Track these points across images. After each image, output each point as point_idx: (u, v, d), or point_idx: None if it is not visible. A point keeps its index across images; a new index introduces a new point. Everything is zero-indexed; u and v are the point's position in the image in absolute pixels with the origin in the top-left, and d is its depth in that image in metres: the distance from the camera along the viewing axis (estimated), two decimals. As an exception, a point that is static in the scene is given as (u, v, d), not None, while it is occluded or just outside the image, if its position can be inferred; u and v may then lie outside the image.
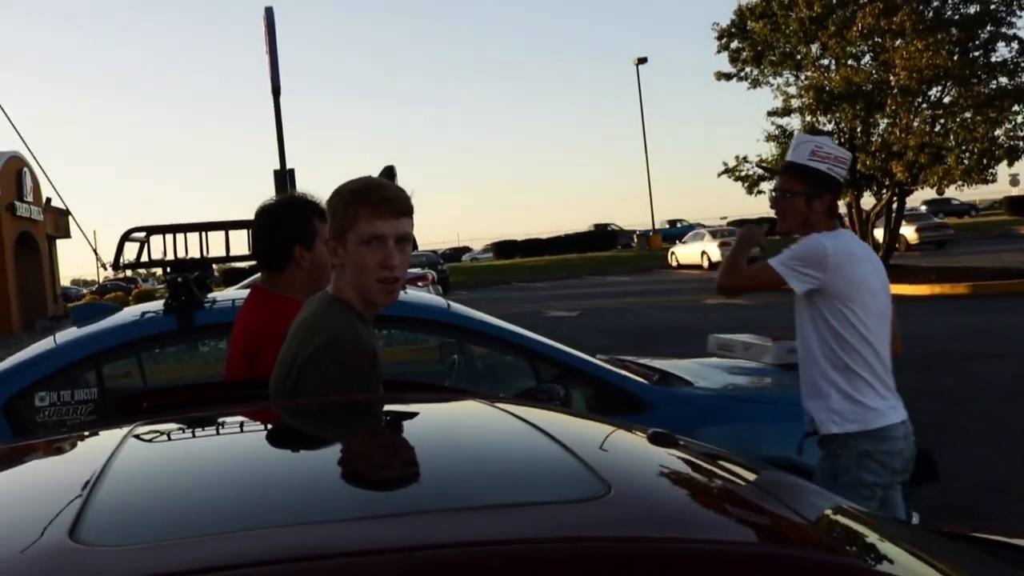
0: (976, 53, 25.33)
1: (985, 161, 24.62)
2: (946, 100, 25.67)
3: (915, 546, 1.78)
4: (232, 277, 39.76)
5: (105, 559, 1.29)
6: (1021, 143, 24.63)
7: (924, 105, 25.90)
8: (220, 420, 2.32)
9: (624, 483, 1.59)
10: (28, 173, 36.83)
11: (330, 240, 2.64)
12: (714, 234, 43.69)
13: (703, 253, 42.50)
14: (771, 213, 4.17)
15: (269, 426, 2.37)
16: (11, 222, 35.73)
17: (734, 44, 28.72)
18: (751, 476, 1.92)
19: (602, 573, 1.28)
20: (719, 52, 29.09)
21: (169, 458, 1.97)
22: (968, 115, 24.88)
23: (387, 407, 2.51)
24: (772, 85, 28.79)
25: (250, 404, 2.71)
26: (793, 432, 4.70)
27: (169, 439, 2.13)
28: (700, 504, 1.70)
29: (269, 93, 15.62)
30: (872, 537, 1.75)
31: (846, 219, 29.37)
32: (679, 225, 70.39)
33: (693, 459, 1.96)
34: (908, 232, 39.13)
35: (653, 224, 66.03)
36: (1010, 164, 25.32)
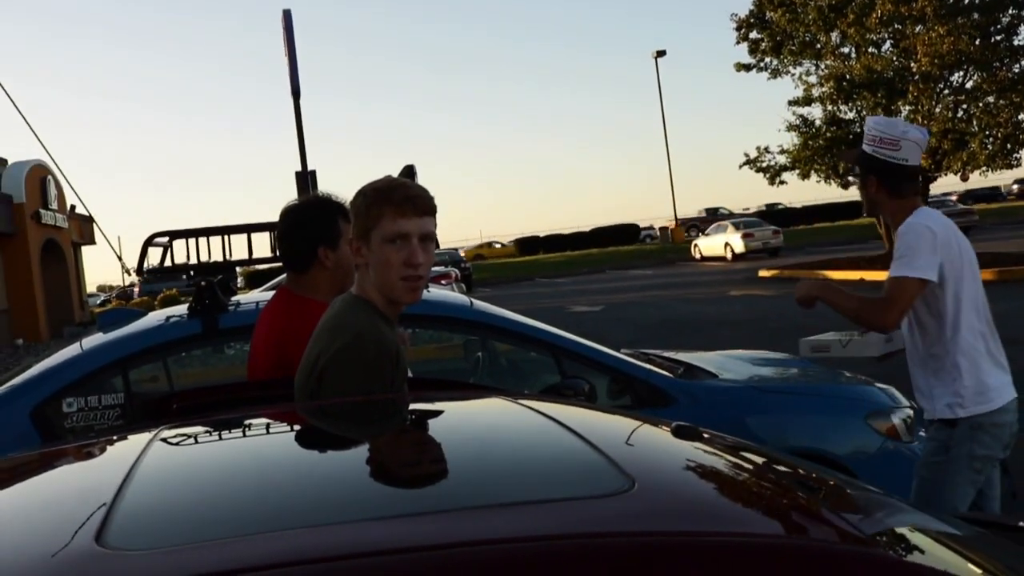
0: (998, 37, 25.15)
1: (1009, 146, 24.46)
2: (968, 85, 25.53)
3: (946, 537, 1.77)
4: (256, 280, 39.93)
5: (131, 563, 1.29)
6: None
7: (946, 91, 25.75)
8: (246, 422, 2.33)
9: (648, 477, 1.59)
10: (52, 181, 37.05)
11: (354, 239, 2.65)
12: (736, 225, 43.55)
13: (726, 245, 42.39)
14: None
15: (295, 427, 2.38)
16: (37, 230, 35.96)
17: (753, 34, 28.66)
18: (776, 468, 1.91)
19: (626, 568, 1.28)
20: (738, 43, 29.03)
21: (195, 461, 1.97)
22: (991, 100, 24.73)
23: (412, 406, 2.51)
24: (792, 75, 28.72)
25: (276, 405, 2.72)
26: (820, 423, 4.69)
27: (195, 442, 2.14)
28: (724, 497, 1.69)
29: (289, 95, 15.68)
30: (901, 528, 1.74)
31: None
32: (720, 212, 69.82)
33: (717, 452, 1.95)
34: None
35: (676, 216, 65.85)
36: (1034, 148, 25.12)
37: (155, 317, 4.78)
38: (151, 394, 4.35)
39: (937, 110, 25.35)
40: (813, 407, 4.78)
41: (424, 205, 2.60)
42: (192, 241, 4.55)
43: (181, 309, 4.68)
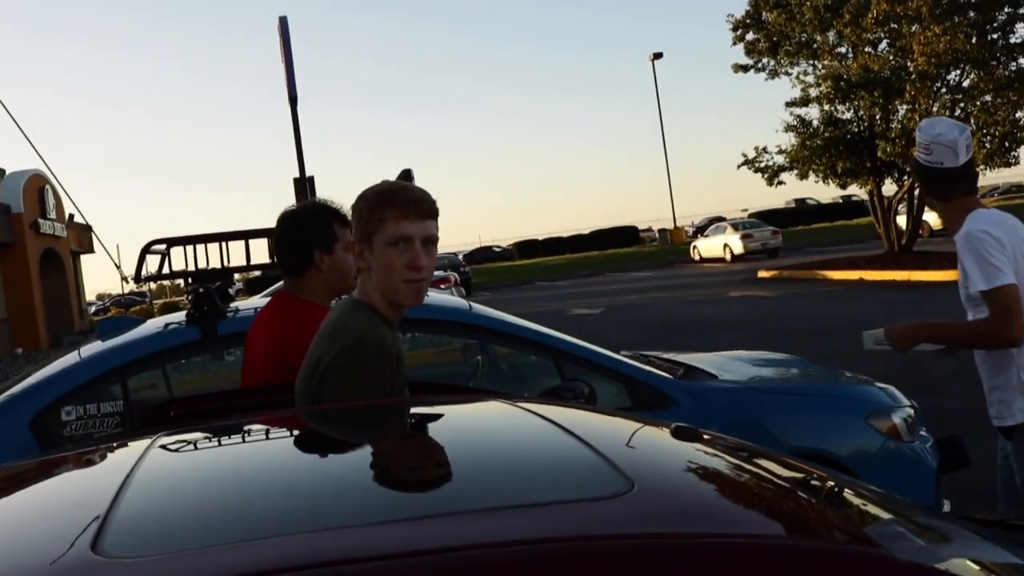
0: (994, 36, 25.15)
1: (1007, 144, 24.45)
2: (965, 84, 25.52)
3: (945, 534, 1.76)
4: (256, 286, 39.94)
5: (126, 571, 1.29)
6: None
7: (943, 90, 25.75)
8: (244, 427, 2.33)
9: (647, 479, 1.58)
10: (50, 190, 37.09)
11: (355, 243, 2.66)
12: (735, 226, 43.58)
13: (725, 246, 42.42)
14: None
15: (293, 432, 2.37)
16: (35, 240, 35.99)
17: (750, 35, 28.68)
18: (777, 469, 1.90)
19: (626, 571, 1.27)
20: (735, 44, 29.05)
21: (192, 467, 1.97)
22: (988, 98, 24.72)
23: (411, 410, 2.51)
24: (790, 75, 28.75)
25: (275, 410, 2.71)
26: (820, 423, 4.69)
27: (193, 448, 2.13)
28: (724, 499, 1.68)
29: (287, 102, 15.67)
30: (903, 527, 1.73)
31: (868, 206, 29.25)
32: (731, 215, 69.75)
33: (717, 453, 1.94)
34: (931, 218, 38.88)
35: (674, 219, 65.92)
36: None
37: (153, 324, 4.78)
38: (150, 402, 4.34)
39: (935, 109, 25.33)
40: (814, 407, 4.77)
41: (427, 208, 2.61)
42: (190, 248, 4.54)
43: (180, 316, 4.67)
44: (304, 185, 15.48)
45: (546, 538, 1.33)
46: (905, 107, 25.99)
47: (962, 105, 25.34)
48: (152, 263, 4.60)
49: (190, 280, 4.53)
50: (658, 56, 62.37)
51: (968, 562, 1.62)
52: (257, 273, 4.92)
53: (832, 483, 1.97)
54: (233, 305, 4.65)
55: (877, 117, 26.52)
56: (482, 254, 75.43)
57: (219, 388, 4.58)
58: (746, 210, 72.92)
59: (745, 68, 29.20)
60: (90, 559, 1.31)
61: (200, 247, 4.54)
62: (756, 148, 29.18)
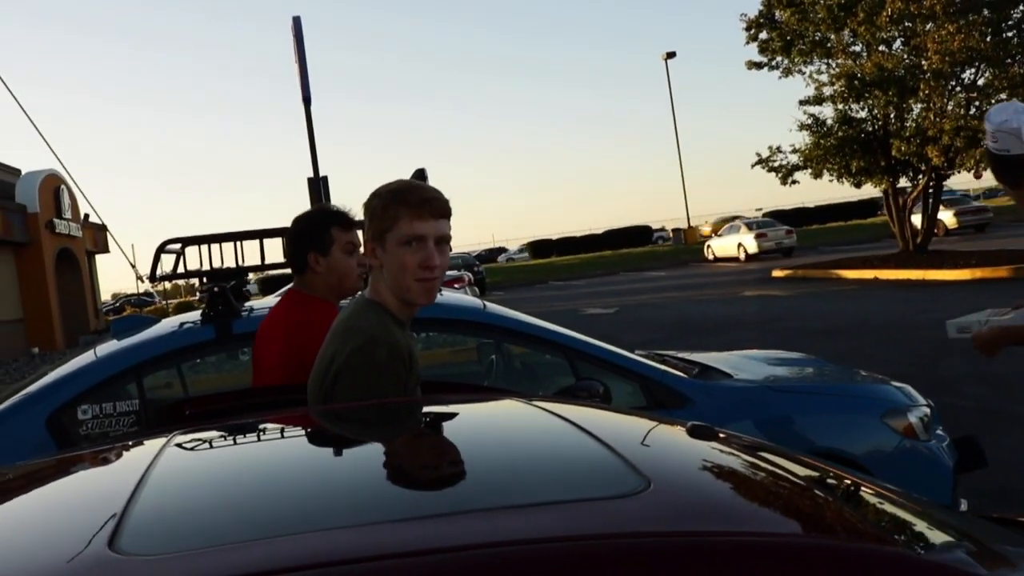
0: (1009, 34, 25.03)
1: (1023, 142, 24.31)
2: (980, 82, 25.39)
3: (963, 533, 1.75)
4: (269, 285, 40.01)
5: (143, 568, 1.29)
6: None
7: (958, 88, 25.65)
8: (259, 426, 2.33)
9: (663, 478, 1.58)
10: (65, 190, 37.23)
11: (368, 241, 2.66)
12: (750, 226, 43.50)
13: (739, 245, 42.35)
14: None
15: (308, 430, 2.37)
16: (51, 239, 36.13)
17: (763, 34, 28.59)
18: (793, 467, 1.90)
19: (642, 568, 1.27)
20: (748, 43, 28.98)
21: (208, 466, 1.97)
22: (1004, 96, 24.57)
23: (425, 409, 2.51)
24: (803, 73, 28.64)
25: (289, 409, 2.72)
26: (836, 422, 4.67)
27: (208, 447, 2.13)
28: (741, 497, 1.68)
29: (300, 102, 15.70)
30: (920, 525, 1.72)
31: (883, 205, 29.14)
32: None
33: (733, 452, 1.93)
34: (947, 217, 38.79)
35: (688, 218, 65.93)
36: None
37: (169, 324, 4.79)
38: (165, 400, 4.35)
39: (949, 107, 25.25)
40: (829, 407, 4.76)
41: (440, 207, 2.61)
42: (205, 247, 4.55)
43: (195, 315, 4.68)
44: (318, 185, 15.51)
45: (564, 536, 1.33)
46: (920, 106, 25.91)
47: (977, 103, 25.22)
48: (167, 262, 4.62)
49: (205, 279, 4.54)
50: (671, 55, 62.41)
51: (988, 561, 1.60)
52: (273, 272, 4.94)
53: (849, 482, 1.96)
54: (248, 304, 4.66)
55: (891, 116, 26.44)
56: (495, 255, 75.53)
57: (234, 387, 4.59)
58: (760, 209, 72.80)
59: (759, 65, 29.12)
60: (107, 556, 1.31)
61: (215, 246, 4.55)
62: (770, 147, 29.13)
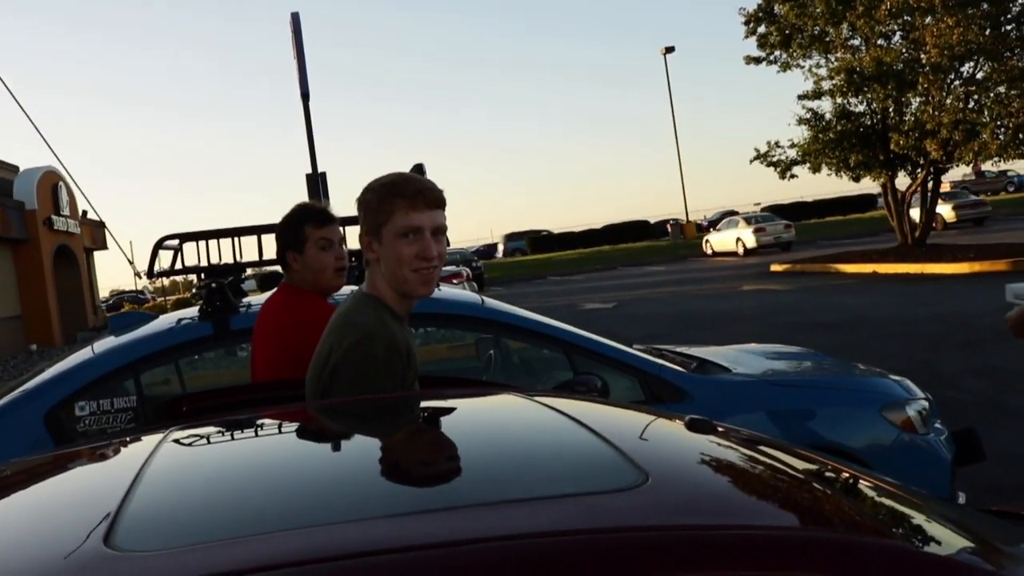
0: (1008, 27, 25.01)
1: (1021, 136, 24.32)
2: (979, 76, 25.37)
3: (962, 526, 1.75)
4: (268, 282, 39.96)
5: (139, 564, 1.28)
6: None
7: (956, 82, 25.63)
8: (256, 422, 2.33)
9: (661, 471, 1.57)
10: (63, 187, 37.20)
11: (364, 236, 2.65)
12: (748, 220, 43.51)
13: (738, 240, 42.37)
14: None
15: (305, 426, 2.37)
16: (49, 236, 36.11)
17: (761, 29, 28.56)
18: (791, 461, 1.89)
19: (641, 562, 1.27)
20: (747, 37, 28.95)
21: (205, 461, 1.97)
22: (1002, 90, 24.57)
23: (424, 404, 2.51)
24: (802, 67, 28.63)
25: (286, 405, 2.71)
26: (834, 416, 4.67)
27: (206, 442, 2.13)
28: (739, 491, 1.67)
29: (299, 98, 15.70)
30: (918, 518, 1.72)
31: (880, 200, 29.13)
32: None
33: (731, 445, 1.93)
34: (945, 211, 38.78)
35: (687, 213, 65.95)
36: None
37: (166, 320, 4.78)
38: (163, 397, 4.35)
39: (948, 101, 25.23)
40: (828, 400, 4.76)
41: (435, 198, 2.61)
42: (202, 243, 4.54)
43: (193, 311, 4.68)
44: (316, 181, 15.51)
45: (561, 530, 1.33)
46: (918, 99, 25.88)
47: (976, 97, 25.21)
48: (165, 259, 4.61)
49: (202, 276, 4.54)
50: (670, 50, 62.42)
51: (986, 554, 1.60)
52: (271, 268, 4.95)
53: (847, 475, 1.96)
54: (245, 300, 4.65)
55: (890, 110, 26.43)
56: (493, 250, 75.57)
57: (232, 383, 4.58)
58: (759, 204, 72.82)
59: (757, 60, 29.10)
60: (103, 553, 1.31)
61: (212, 242, 4.54)
62: (769, 142, 29.12)
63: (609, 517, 1.38)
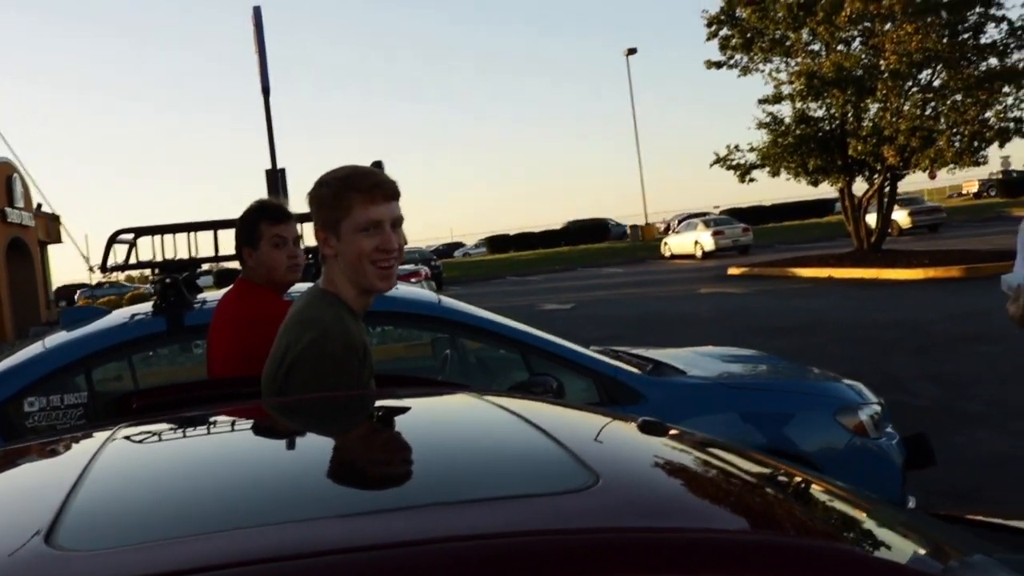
0: (965, 35, 25.30)
1: (976, 143, 24.63)
2: (936, 83, 25.65)
3: (911, 530, 1.76)
4: (225, 278, 39.68)
5: (79, 564, 1.26)
6: (1012, 124, 24.63)
7: (914, 89, 25.89)
8: (207, 419, 2.30)
9: (612, 473, 1.57)
10: (18, 179, 36.80)
11: (320, 231, 2.63)
12: (707, 223, 43.74)
13: (696, 243, 42.58)
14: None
15: (257, 423, 2.35)
16: (2, 228, 35.69)
17: (723, 32, 28.70)
18: (743, 464, 1.90)
19: (590, 564, 1.26)
20: (708, 40, 29.08)
21: (152, 459, 1.94)
22: (959, 97, 24.86)
23: (377, 403, 2.49)
24: (763, 72, 28.81)
25: (239, 402, 2.69)
26: (788, 419, 4.70)
27: (155, 439, 2.11)
28: (690, 493, 1.68)
29: (259, 92, 15.61)
30: (869, 522, 1.73)
31: (837, 205, 29.35)
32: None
33: (684, 448, 1.94)
34: (901, 217, 39.14)
35: (646, 215, 66.25)
36: (1001, 145, 25.33)
37: (119, 315, 4.73)
38: (114, 393, 4.30)
39: (906, 107, 25.48)
40: (781, 403, 4.78)
41: (391, 189, 2.60)
42: (157, 238, 4.50)
43: (146, 307, 4.63)
44: (275, 177, 15.44)
45: (511, 532, 1.32)
46: (876, 105, 26.11)
47: (933, 104, 25.49)
48: (120, 253, 4.56)
49: (157, 270, 4.49)
50: (632, 51, 62.67)
51: (934, 557, 1.61)
52: (227, 264, 4.92)
53: (799, 479, 1.97)
54: (200, 296, 4.62)
55: (849, 115, 26.63)
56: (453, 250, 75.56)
57: (183, 379, 4.54)
58: (718, 207, 73.27)
59: (718, 64, 29.24)
60: (43, 552, 1.29)
61: (168, 237, 4.50)
62: (728, 146, 29.28)
63: (559, 518, 1.37)
